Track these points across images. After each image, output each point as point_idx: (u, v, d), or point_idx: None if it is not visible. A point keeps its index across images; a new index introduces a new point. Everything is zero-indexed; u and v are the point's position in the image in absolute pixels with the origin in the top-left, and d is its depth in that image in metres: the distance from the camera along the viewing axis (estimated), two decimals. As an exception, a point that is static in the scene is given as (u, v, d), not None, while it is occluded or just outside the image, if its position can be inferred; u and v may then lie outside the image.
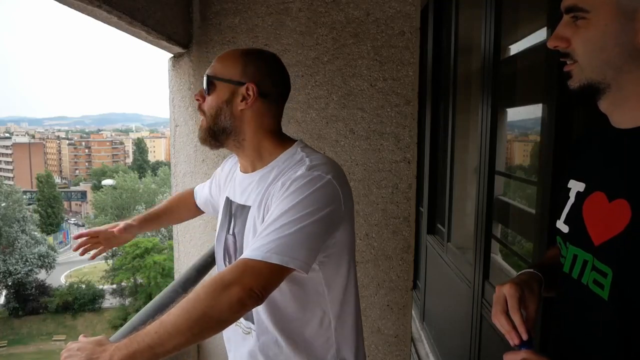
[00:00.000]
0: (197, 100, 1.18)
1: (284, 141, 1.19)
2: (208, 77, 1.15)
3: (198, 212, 1.61)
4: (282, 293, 1.11)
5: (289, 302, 1.13)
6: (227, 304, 0.91)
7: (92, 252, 1.50)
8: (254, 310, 1.12)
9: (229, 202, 1.25)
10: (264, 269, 0.96)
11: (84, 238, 1.49)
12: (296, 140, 1.20)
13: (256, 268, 0.96)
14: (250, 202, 1.15)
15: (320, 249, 1.06)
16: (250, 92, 1.13)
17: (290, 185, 1.05)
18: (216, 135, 1.16)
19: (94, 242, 1.49)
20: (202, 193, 1.54)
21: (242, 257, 0.99)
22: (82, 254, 1.52)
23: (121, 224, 1.49)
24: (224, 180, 1.34)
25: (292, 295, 1.12)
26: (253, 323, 1.16)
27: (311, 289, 1.13)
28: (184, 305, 0.91)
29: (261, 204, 1.11)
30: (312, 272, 1.07)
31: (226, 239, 1.22)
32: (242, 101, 1.13)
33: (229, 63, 1.15)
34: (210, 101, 1.15)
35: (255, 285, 0.94)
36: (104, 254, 1.70)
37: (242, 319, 1.18)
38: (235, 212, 1.21)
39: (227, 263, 1.22)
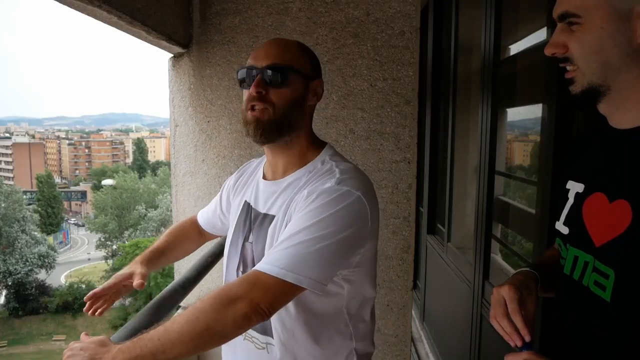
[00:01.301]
0: (259, 91, 1.05)
1: (315, 144, 1.16)
2: (284, 67, 1.07)
3: (201, 238, 1.50)
4: (307, 310, 1.07)
5: (312, 318, 1.08)
6: (231, 319, 0.89)
7: (101, 309, 1.26)
8: (274, 325, 1.09)
9: (248, 208, 1.19)
10: (276, 286, 0.93)
11: (95, 298, 1.24)
12: (325, 143, 1.17)
13: (268, 284, 0.92)
14: (274, 212, 1.11)
15: (340, 267, 1.02)
16: (319, 89, 1.14)
17: (317, 198, 1.00)
18: (281, 129, 1.08)
19: (105, 299, 1.26)
20: (206, 213, 1.45)
21: (255, 269, 0.96)
22: (93, 314, 1.23)
23: (136, 273, 1.26)
24: (241, 183, 1.28)
25: (315, 310, 1.08)
26: (272, 337, 1.11)
27: (335, 303, 1.10)
28: (189, 315, 0.89)
29: (286, 213, 1.07)
30: (337, 288, 1.06)
31: (244, 246, 1.16)
32: (313, 97, 1.13)
33: (298, 55, 1.10)
34: (284, 93, 1.07)
35: (263, 301, 0.91)
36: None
37: (256, 333, 1.13)
38: (254, 220, 1.16)
39: (240, 273, 1.16)
